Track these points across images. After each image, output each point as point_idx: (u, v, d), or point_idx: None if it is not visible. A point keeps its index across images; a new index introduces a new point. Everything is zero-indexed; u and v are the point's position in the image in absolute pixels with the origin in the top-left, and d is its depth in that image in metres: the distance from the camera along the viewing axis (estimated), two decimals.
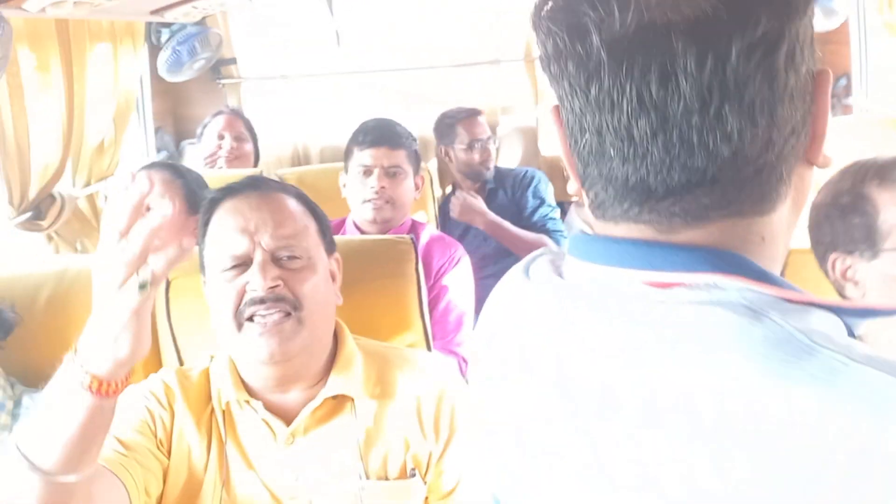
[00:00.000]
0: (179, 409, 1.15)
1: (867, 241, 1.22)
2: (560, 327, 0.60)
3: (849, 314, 0.55)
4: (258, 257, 1.10)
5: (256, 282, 1.08)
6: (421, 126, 2.99)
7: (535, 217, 2.68)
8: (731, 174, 0.54)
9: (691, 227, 0.57)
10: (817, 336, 0.49)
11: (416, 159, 2.09)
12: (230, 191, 1.18)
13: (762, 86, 0.52)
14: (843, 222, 1.25)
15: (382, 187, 2.00)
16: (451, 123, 2.83)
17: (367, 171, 2.02)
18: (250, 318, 1.09)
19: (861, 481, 0.44)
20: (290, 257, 1.12)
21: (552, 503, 0.61)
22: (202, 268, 1.19)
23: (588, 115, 0.56)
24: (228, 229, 1.13)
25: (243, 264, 1.11)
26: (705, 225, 0.56)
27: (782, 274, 0.60)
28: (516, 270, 0.70)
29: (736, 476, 0.48)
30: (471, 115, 2.83)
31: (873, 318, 0.58)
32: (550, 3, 0.57)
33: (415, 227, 2.08)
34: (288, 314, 1.09)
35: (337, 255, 1.25)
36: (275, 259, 1.11)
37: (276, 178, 1.23)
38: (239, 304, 1.10)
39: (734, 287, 0.53)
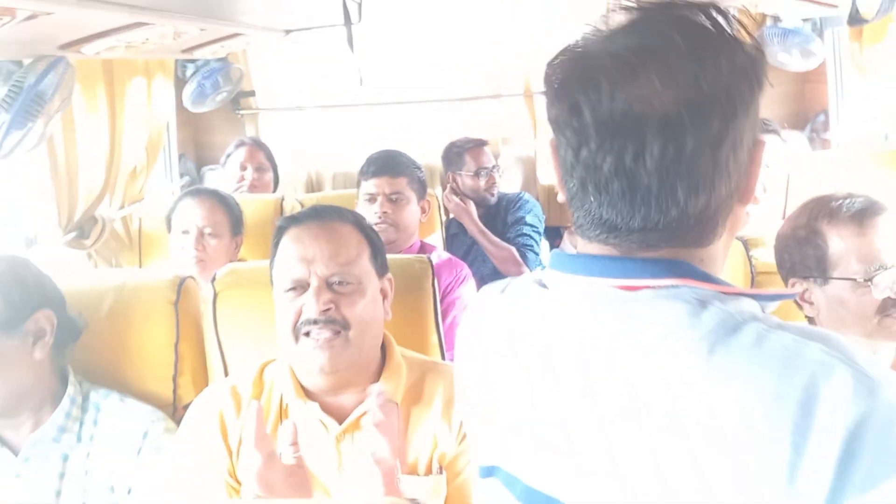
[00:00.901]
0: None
1: (819, 269, 1.39)
2: (570, 325, 0.77)
3: (764, 299, 0.77)
4: (313, 283, 1.28)
5: (311, 305, 1.26)
6: (429, 155, 3.21)
7: (511, 232, 2.93)
8: (677, 225, 0.73)
9: (645, 252, 0.75)
10: (746, 315, 0.69)
11: (419, 185, 2.30)
12: (294, 220, 1.36)
13: (707, 168, 0.71)
14: (799, 252, 1.42)
15: (385, 212, 2.22)
16: (459, 152, 3.05)
17: (372, 199, 2.25)
18: (306, 334, 1.27)
19: (780, 415, 0.63)
20: (342, 282, 1.29)
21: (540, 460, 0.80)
22: (272, 284, 1.36)
23: (577, 168, 0.75)
24: (290, 256, 1.31)
25: (301, 287, 1.29)
26: (657, 251, 0.75)
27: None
28: (495, 285, 0.89)
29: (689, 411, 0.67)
30: (477, 144, 3.04)
31: (779, 301, 0.81)
32: (559, 77, 0.75)
33: (424, 249, 2.29)
34: (338, 332, 1.27)
35: (389, 275, 1.41)
36: (328, 284, 1.29)
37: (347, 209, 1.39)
38: (297, 321, 1.28)
39: (686, 286, 0.73)
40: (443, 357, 1.62)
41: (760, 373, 0.65)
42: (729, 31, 0.73)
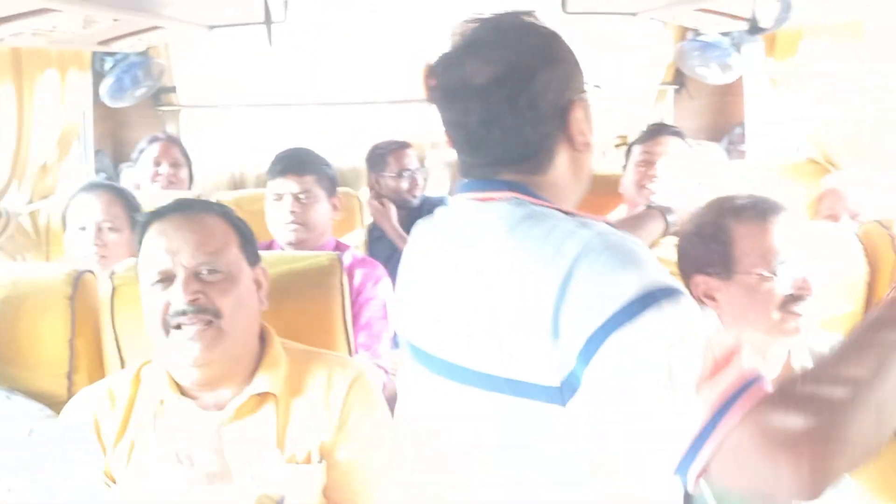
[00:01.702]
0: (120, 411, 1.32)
1: (723, 264, 1.43)
2: (432, 233, 1.11)
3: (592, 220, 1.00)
4: (180, 274, 1.27)
5: (178, 296, 1.25)
6: (356, 157, 3.19)
7: None
8: (509, 158, 1.03)
9: (500, 175, 1.03)
10: (554, 215, 0.95)
11: (328, 183, 2.26)
12: (157, 214, 1.35)
13: (511, 118, 1.00)
14: (704, 248, 1.46)
15: (293, 212, 2.18)
16: (382, 154, 3.03)
17: (279, 198, 2.21)
18: (177, 327, 1.25)
19: (549, 278, 0.88)
20: (211, 271, 1.28)
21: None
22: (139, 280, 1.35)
23: (446, 127, 1.07)
24: (155, 249, 1.30)
25: (168, 279, 1.28)
26: (503, 176, 1.03)
27: None
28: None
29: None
30: (400, 146, 3.03)
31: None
32: (434, 72, 1.07)
33: (339, 248, 2.27)
34: (209, 322, 1.26)
35: (262, 265, 1.41)
36: (196, 274, 1.28)
37: (213, 201, 1.40)
38: (165, 314, 1.26)
39: (517, 198, 1.00)
40: (350, 355, 1.61)
41: (543, 247, 0.90)
42: (526, 23, 1.05)
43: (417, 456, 1.10)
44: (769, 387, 0.80)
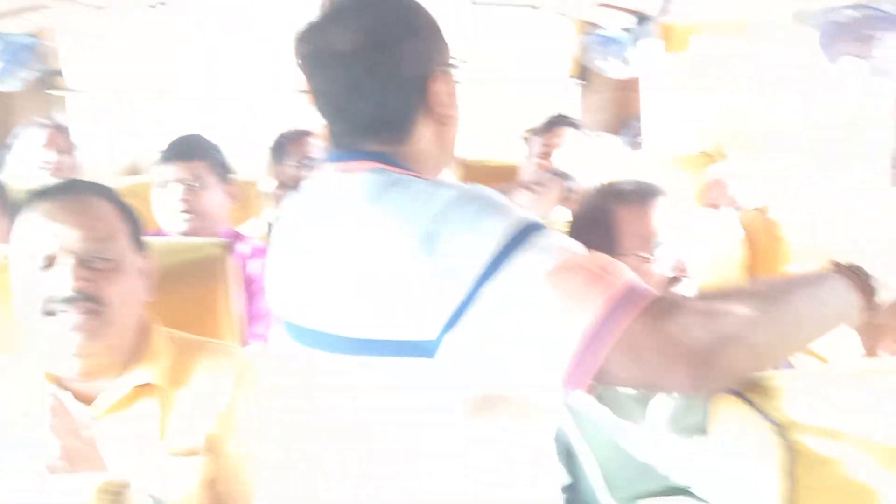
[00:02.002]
0: None
1: (607, 247, 1.44)
2: (299, 206, 1.11)
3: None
4: (67, 260, 1.19)
5: (64, 283, 1.17)
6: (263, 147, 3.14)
7: None
8: (367, 127, 1.04)
9: (364, 147, 1.04)
10: (410, 178, 0.98)
11: (221, 169, 2.19)
12: (44, 193, 1.26)
13: (372, 86, 1.02)
14: (591, 231, 1.45)
15: (183, 200, 2.09)
16: (283, 143, 2.97)
17: (165, 185, 2.12)
18: (54, 314, 1.18)
19: (415, 238, 0.90)
20: (98, 258, 1.22)
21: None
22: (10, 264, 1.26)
23: (313, 96, 1.07)
24: (40, 231, 1.22)
25: (51, 265, 1.20)
26: (370, 145, 1.04)
27: None
28: None
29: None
30: (301, 135, 2.98)
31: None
32: (299, 40, 1.08)
33: (235, 237, 2.18)
34: (93, 312, 1.19)
35: (148, 253, 1.35)
36: (82, 260, 1.20)
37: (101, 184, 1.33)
38: (46, 301, 1.18)
39: (379, 167, 1.01)
40: (241, 344, 1.57)
41: (405, 209, 0.93)
42: None
43: (293, 430, 1.10)
44: (654, 294, 0.86)
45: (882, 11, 1.86)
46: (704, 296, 0.91)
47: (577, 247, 0.92)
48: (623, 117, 3.83)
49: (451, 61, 1.09)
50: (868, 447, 0.79)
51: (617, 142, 3.60)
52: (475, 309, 0.87)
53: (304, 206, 1.10)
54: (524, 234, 0.89)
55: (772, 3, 2.13)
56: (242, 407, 1.30)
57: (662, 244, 1.43)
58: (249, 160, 3.20)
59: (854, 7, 1.87)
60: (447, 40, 1.10)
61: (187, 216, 2.09)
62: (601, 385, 0.86)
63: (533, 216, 0.93)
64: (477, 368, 0.91)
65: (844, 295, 0.91)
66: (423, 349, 0.91)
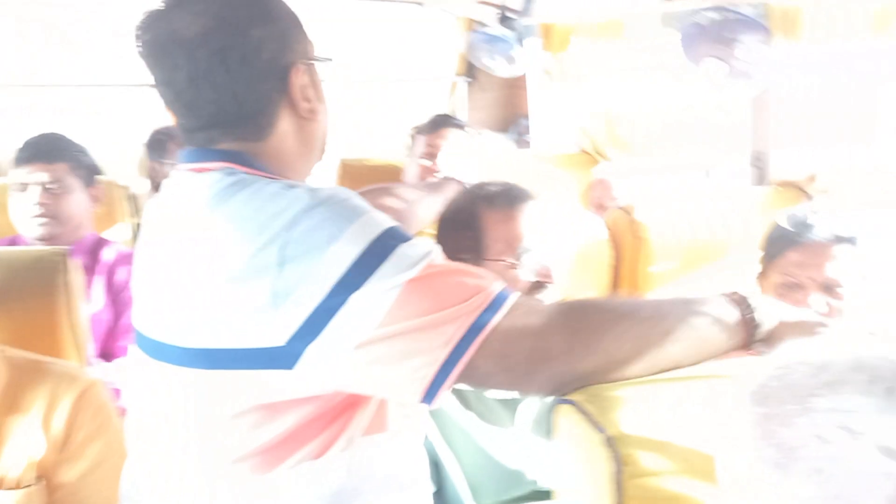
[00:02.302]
0: None
1: (474, 251, 1.44)
2: (154, 209, 1.06)
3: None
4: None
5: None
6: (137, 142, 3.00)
7: None
8: (218, 121, 0.98)
9: (213, 145, 0.99)
10: (259, 178, 0.94)
11: (85, 171, 2.08)
12: None
13: (222, 76, 0.95)
14: (458, 235, 1.46)
15: (41, 203, 1.98)
16: (163, 140, 2.87)
17: (23, 188, 1.99)
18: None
19: (264, 244, 0.86)
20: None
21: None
22: None
23: (158, 89, 1.01)
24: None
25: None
26: (223, 142, 0.99)
27: None
28: None
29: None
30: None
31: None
32: (140, 29, 1.00)
33: (100, 243, 2.09)
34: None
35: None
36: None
37: None
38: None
39: (231, 168, 0.96)
40: (81, 361, 1.46)
41: (250, 212, 0.89)
42: None
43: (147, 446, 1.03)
44: (514, 298, 0.87)
45: (742, 15, 1.92)
46: (568, 303, 0.91)
47: (437, 254, 0.90)
48: (511, 115, 3.85)
49: (314, 55, 1.05)
50: (691, 458, 0.79)
51: (503, 140, 3.62)
52: (335, 319, 0.84)
53: (157, 211, 1.05)
54: (382, 241, 0.86)
55: (643, 6, 2.17)
56: (81, 435, 1.21)
57: (529, 250, 1.42)
58: (118, 158, 3.08)
59: (715, 10, 1.92)
60: (308, 33, 1.05)
61: (44, 220, 1.97)
62: (470, 386, 0.87)
63: (392, 222, 0.90)
64: (339, 380, 0.88)
65: (725, 322, 0.91)
66: (276, 359, 0.86)
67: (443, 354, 0.83)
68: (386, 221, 0.90)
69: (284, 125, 1.01)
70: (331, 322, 0.84)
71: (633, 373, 0.87)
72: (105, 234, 2.24)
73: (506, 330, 0.84)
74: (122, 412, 1.27)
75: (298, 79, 1.00)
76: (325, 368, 0.86)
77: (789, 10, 1.82)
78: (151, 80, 1.01)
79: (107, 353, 1.98)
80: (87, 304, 1.57)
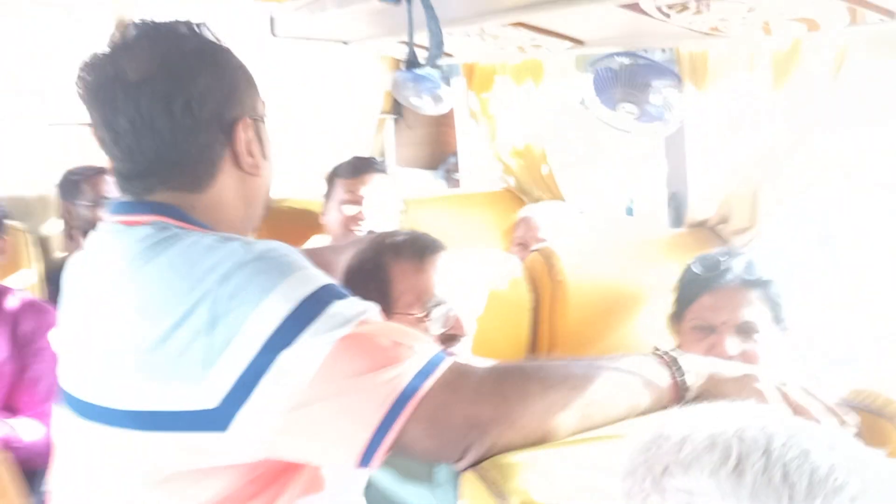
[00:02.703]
0: None
1: (382, 303, 1.39)
2: (79, 262, 1.02)
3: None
4: None
5: None
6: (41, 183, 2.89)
7: None
8: (157, 169, 0.96)
9: (148, 195, 0.98)
10: (191, 232, 0.91)
11: None
12: None
13: (165, 122, 0.94)
14: (364, 286, 1.39)
15: None
16: (76, 181, 2.79)
17: None
18: None
19: (196, 299, 0.84)
20: None
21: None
22: None
23: (97, 131, 0.98)
24: None
25: None
26: (158, 193, 0.97)
27: None
28: None
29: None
30: (97, 173, 2.80)
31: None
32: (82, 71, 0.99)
33: (2, 291, 1.99)
34: None
35: None
36: None
37: None
38: None
39: (163, 222, 0.94)
40: None
41: (179, 269, 0.86)
42: (189, 31, 1.00)
43: None
44: (448, 363, 0.86)
45: (652, 61, 1.96)
46: (501, 368, 0.90)
47: (373, 312, 0.89)
48: (439, 153, 3.87)
49: (263, 112, 1.04)
50: None
51: (436, 178, 3.62)
52: (265, 379, 0.81)
53: (83, 266, 1.01)
54: (316, 298, 0.84)
55: (556, 47, 2.19)
56: None
57: (439, 302, 1.39)
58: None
59: (626, 55, 1.95)
60: (259, 89, 1.04)
61: None
62: (400, 453, 0.84)
63: (328, 279, 0.89)
64: (273, 446, 0.85)
65: (655, 385, 0.92)
66: (208, 421, 0.83)
67: (376, 418, 0.81)
68: (321, 278, 0.88)
69: (225, 178, 0.99)
70: (261, 382, 0.81)
71: (561, 438, 0.86)
72: (8, 280, 2.16)
73: (438, 394, 0.83)
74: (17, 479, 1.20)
75: (244, 133, 0.99)
76: (257, 433, 0.83)
77: (696, 57, 1.87)
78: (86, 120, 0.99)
79: (11, 406, 1.88)
80: None
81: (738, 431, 0.56)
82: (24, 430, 1.80)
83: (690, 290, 1.59)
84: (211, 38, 1.02)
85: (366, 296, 1.43)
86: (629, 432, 0.72)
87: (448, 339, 1.39)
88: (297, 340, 0.82)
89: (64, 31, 3.00)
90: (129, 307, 0.88)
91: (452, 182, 3.72)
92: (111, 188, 2.80)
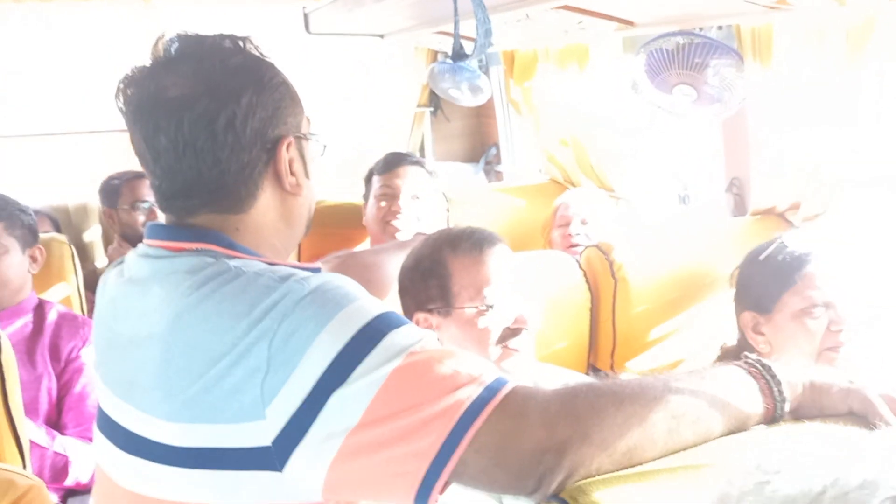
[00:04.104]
0: None
1: (442, 298, 1.38)
2: (120, 285, 0.97)
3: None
4: None
5: None
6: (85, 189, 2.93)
7: None
8: (198, 190, 0.93)
9: (189, 218, 0.95)
10: (243, 267, 0.87)
11: (24, 232, 1.97)
12: None
13: (207, 142, 0.90)
14: (424, 284, 1.40)
15: None
16: (116, 186, 2.82)
17: None
18: None
19: (244, 329, 0.82)
20: None
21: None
22: None
23: (135, 146, 0.96)
24: None
25: None
26: (200, 216, 0.94)
27: None
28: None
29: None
30: (136, 177, 2.82)
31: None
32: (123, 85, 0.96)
33: (42, 306, 1.97)
34: None
35: None
36: None
37: None
38: None
39: (207, 250, 0.91)
40: (22, 456, 1.32)
41: (243, 308, 0.82)
42: (232, 46, 0.97)
43: None
44: (508, 388, 0.80)
45: (710, 38, 1.84)
46: (569, 388, 0.83)
47: (429, 339, 0.84)
48: (480, 145, 3.78)
49: (306, 130, 1.00)
50: None
51: (477, 170, 3.54)
52: (320, 418, 0.78)
53: (126, 288, 0.96)
54: (369, 331, 0.81)
55: (603, 29, 2.09)
56: None
57: (500, 295, 1.35)
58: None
59: (681, 34, 1.84)
60: (303, 108, 1.00)
61: None
62: (462, 485, 0.80)
63: (382, 308, 0.84)
64: (329, 485, 0.81)
65: (743, 391, 0.84)
66: (264, 460, 0.80)
67: (432, 449, 0.76)
68: (374, 309, 0.84)
69: (267, 199, 0.96)
70: (315, 422, 0.79)
71: (649, 456, 0.79)
72: (49, 293, 2.13)
73: (502, 421, 0.77)
74: None
75: (287, 152, 0.95)
76: (313, 473, 0.80)
77: (760, 31, 1.75)
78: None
79: (53, 422, 1.84)
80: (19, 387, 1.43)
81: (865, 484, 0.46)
82: (74, 452, 1.76)
83: (781, 275, 1.49)
84: (255, 53, 0.98)
85: (425, 293, 1.42)
86: (717, 460, 0.63)
87: (511, 332, 1.35)
88: (349, 379, 0.79)
89: (102, 39, 2.98)
90: (184, 344, 0.84)
91: (494, 174, 3.64)
92: (150, 192, 2.81)
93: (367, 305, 0.84)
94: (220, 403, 0.81)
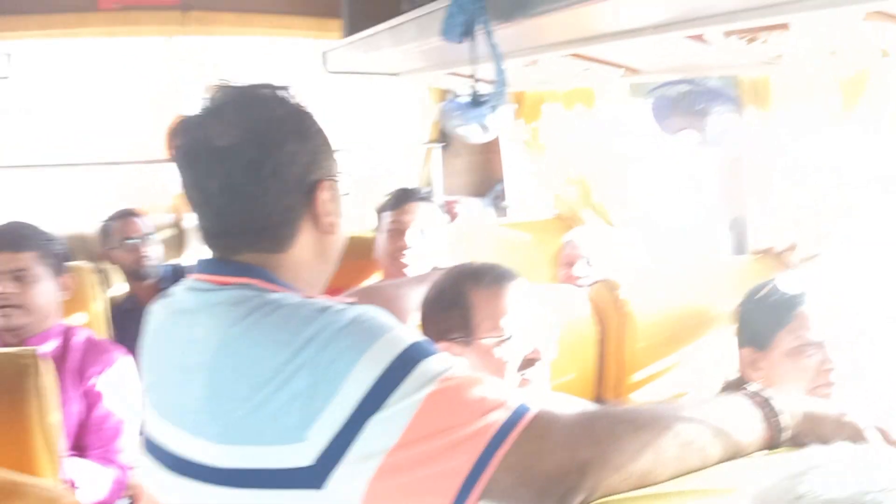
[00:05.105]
0: None
1: (464, 329, 1.43)
2: (168, 317, 1.05)
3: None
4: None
5: None
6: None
7: None
8: (243, 230, 1.01)
9: (233, 255, 1.02)
10: (285, 300, 0.94)
11: (54, 260, 2.03)
12: None
13: (253, 187, 0.98)
14: (446, 314, 1.45)
15: (5, 294, 1.92)
16: (108, 225, 2.91)
17: None
18: None
19: (286, 359, 0.88)
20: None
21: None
22: None
23: (186, 191, 1.03)
24: None
25: None
26: (243, 254, 1.01)
27: None
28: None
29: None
30: (123, 215, 2.91)
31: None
32: (175, 133, 1.03)
33: (68, 333, 2.03)
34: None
35: None
36: None
37: None
38: None
39: (251, 284, 0.98)
40: (53, 474, 1.38)
41: (277, 338, 0.89)
42: (272, 95, 1.04)
43: None
44: (533, 412, 0.87)
45: (709, 87, 1.94)
46: (590, 413, 0.91)
47: (459, 366, 0.91)
48: (486, 181, 3.87)
49: (337, 171, 1.07)
50: None
51: (485, 206, 3.62)
52: (358, 440, 0.85)
53: (174, 318, 1.04)
54: (404, 359, 0.87)
55: (609, 75, 2.19)
56: None
57: (517, 327, 1.41)
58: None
59: (684, 82, 1.94)
60: (333, 150, 1.08)
61: (9, 311, 1.91)
62: (492, 502, 0.85)
63: (416, 337, 0.92)
64: (367, 498, 0.86)
65: (746, 420, 0.91)
66: (305, 479, 0.87)
67: (465, 468, 0.83)
68: (408, 338, 0.91)
69: (305, 238, 1.03)
70: (353, 444, 0.85)
71: (659, 480, 0.85)
72: (72, 318, 2.19)
73: (528, 442, 0.84)
74: None
75: (324, 194, 1.02)
76: (353, 488, 0.86)
77: (758, 81, 1.85)
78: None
79: (78, 446, 1.90)
80: (59, 407, 1.50)
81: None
82: (82, 475, 1.81)
83: (777, 314, 1.56)
84: (294, 102, 1.06)
85: (447, 324, 1.48)
86: (739, 485, 0.69)
87: (527, 363, 1.41)
88: (385, 404, 0.85)
89: (123, 73, 3.08)
90: (230, 371, 0.92)
91: (500, 210, 3.72)
92: (137, 228, 2.90)
93: (401, 335, 0.91)
94: (263, 426, 0.88)
